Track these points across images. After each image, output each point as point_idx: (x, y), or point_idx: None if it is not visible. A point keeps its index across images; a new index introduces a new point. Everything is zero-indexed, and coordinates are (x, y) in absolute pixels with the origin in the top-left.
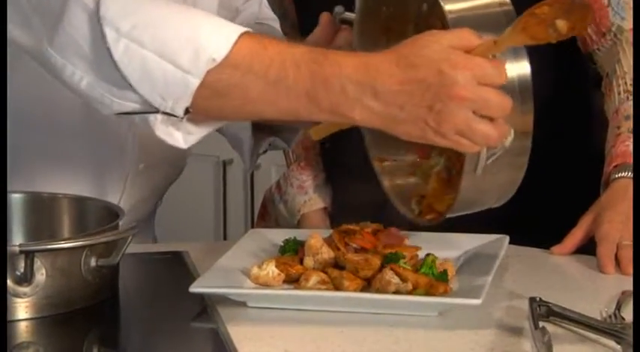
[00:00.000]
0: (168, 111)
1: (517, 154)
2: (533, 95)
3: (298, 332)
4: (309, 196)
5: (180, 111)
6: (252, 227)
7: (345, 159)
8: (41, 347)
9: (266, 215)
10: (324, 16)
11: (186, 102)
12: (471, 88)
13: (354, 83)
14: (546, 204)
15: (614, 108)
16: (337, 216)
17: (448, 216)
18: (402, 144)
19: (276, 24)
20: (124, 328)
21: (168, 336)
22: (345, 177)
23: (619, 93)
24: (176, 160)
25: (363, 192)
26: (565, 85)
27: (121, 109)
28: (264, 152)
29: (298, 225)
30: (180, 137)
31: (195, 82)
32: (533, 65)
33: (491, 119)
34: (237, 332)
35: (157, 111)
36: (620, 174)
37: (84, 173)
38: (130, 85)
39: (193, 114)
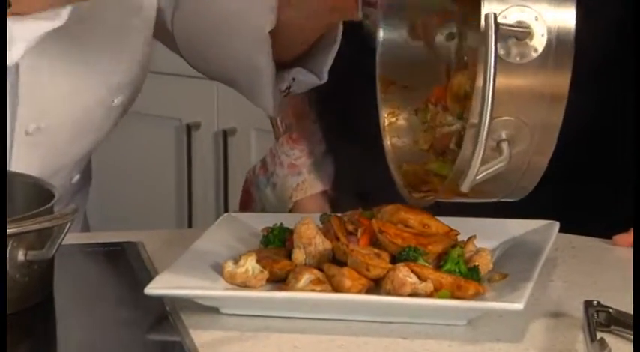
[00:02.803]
0: None
1: (542, 135)
2: (589, 48)
3: (286, 346)
4: (303, 178)
5: None
6: (226, 211)
7: (351, 127)
8: None
9: (250, 202)
10: None
11: None
12: None
13: None
14: (607, 183)
15: None
16: (341, 199)
17: (436, 200)
18: (417, 71)
19: None
20: (62, 340)
21: (117, 351)
22: (351, 151)
23: None
24: (90, 114)
25: (374, 169)
26: (628, 35)
27: None
28: (287, 92)
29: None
30: None
31: None
32: (596, 13)
33: None
34: (207, 345)
35: None
36: None
37: None
38: None
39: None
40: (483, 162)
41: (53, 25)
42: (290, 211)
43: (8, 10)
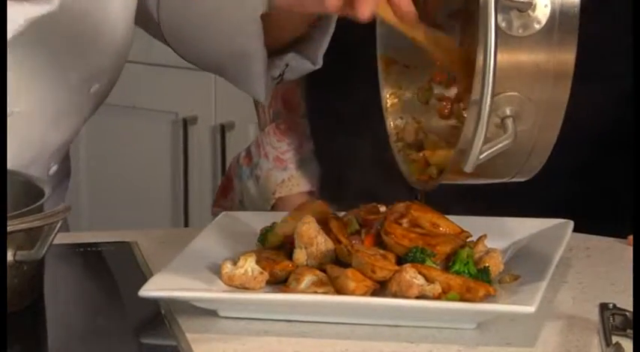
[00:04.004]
0: None
1: (548, 110)
2: (604, 43)
3: (287, 351)
4: (290, 173)
5: None
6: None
7: (339, 117)
8: None
9: (229, 191)
10: None
11: None
12: None
13: None
14: (624, 179)
15: None
16: (328, 198)
17: (441, 182)
18: (418, 50)
19: None
20: (53, 344)
21: None
22: (339, 143)
23: None
24: (66, 101)
25: (364, 165)
26: None
27: None
28: (280, 79)
29: (272, 211)
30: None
31: None
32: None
33: None
34: (204, 350)
35: None
36: None
37: None
38: None
39: None
40: (487, 140)
41: (42, 10)
42: (272, 207)
43: None
